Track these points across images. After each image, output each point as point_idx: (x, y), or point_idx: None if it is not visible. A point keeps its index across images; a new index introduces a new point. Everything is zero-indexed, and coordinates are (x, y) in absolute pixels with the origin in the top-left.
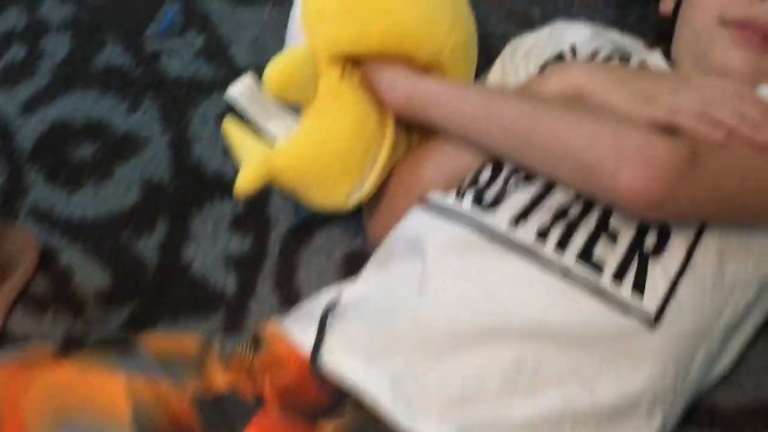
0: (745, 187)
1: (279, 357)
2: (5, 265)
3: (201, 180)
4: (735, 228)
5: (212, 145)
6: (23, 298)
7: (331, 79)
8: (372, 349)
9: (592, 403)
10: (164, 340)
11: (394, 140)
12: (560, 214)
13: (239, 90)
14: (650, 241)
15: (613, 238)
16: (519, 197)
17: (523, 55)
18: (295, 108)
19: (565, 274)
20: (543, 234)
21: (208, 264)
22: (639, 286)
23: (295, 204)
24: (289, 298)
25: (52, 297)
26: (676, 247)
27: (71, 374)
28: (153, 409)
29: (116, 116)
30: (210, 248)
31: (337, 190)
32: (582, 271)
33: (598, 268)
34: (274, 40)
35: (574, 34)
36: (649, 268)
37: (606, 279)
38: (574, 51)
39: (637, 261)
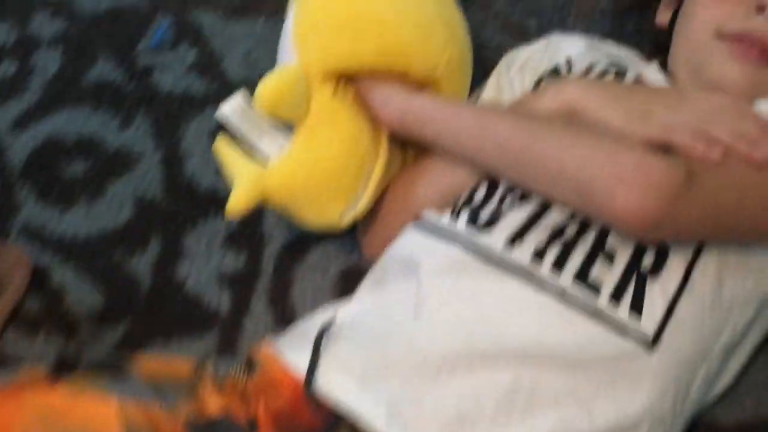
0: (743, 205)
1: (273, 380)
2: None
3: (194, 197)
4: (734, 245)
5: (205, 161)
6: (15, 318)
7: (323, 96)
8: (367, 372)
9: (589, 425)
10: (157, 363)
11: (389, 157)
12: (556, 234)
13: (230, 108)
14: (648, 260)
15: (610, 257)
16: (515, 216)
17: (519, 69)
18: (287, 126)
19: (562, 295)
20: (539, 255)
21: (201, 282)
22: (637, 307)
23: (290, 220)
24: (284, 315)
25: (44, 317)
26: (675, 266)
27: (64, 398)
28: None
29: (108, 132)
30: (204, 266)
31: (331, 209)
32: (579, 292)
33: (595, 289)
34: (267, 53)
35: (569, 47)
36: (647, 288)
37: (603, 300)
38: (569, 64)
39: (634, 281)
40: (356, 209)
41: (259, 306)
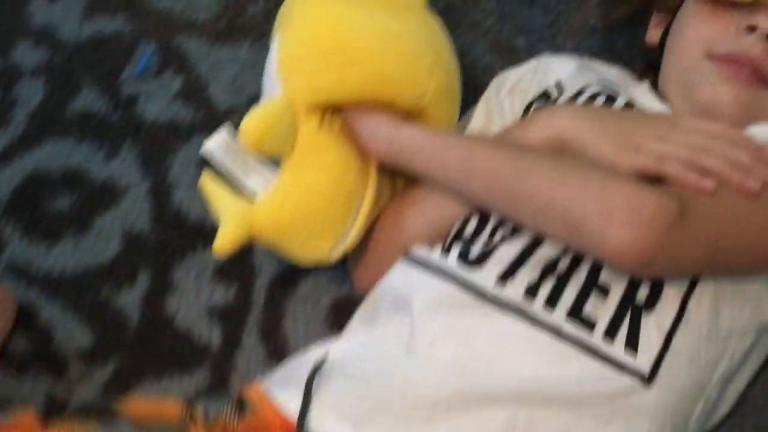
0: (737, 236)
1: (264, 422)
2: None
3: (183, 228)
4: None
5: (193, 192)
6: (1, 358)
7: (309, 128)
8: (360, 414)
9: None
10: (146, 405)
11: (378, 188)
12: (549, 268)
13: (215, 144)
14: (642, 293)
15: (604, 292)
16: (506, 251)
17: (508, 92)
18: (274, 160)
19: (556, 332)
20: (531, 291)
21: (192, 316)
22: (632, 342)
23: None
24: (276, 348)
25: (32, 356)
26: (670, 298)
27: None
28: None
29: (94, 164)
30: (193, 300)
31: (320, 244)
32: (572, 329)
33: (590, 325)
34: (253, 78)
35: (559, 69)
36: (642, 322)
37: (597, 336)
38: (559, 88)
39: (629, 316)
40: (346, 242)
41: (251, 339)
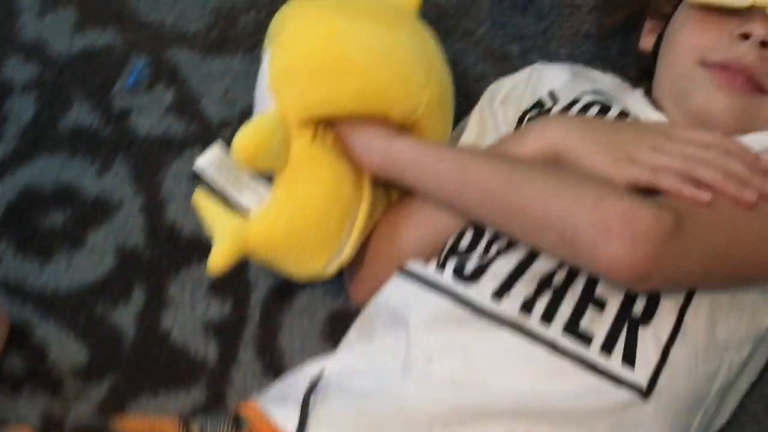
0: (733, 248)
1: None
2: None
3: (177, 243)
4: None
5: (187, 206)
6: None
7: (302, 143)
8: (357, 431)
9: None
10: (142, 423)
11: (372, 201)
12: (545, 283)
13: (207, 161)
14: (639, 306)
15: (601, 306)
16: (502, 265)
17: (502, 101)
18: (267, 175)
19: (553, 347)
20: (528, 306)
21: (187, 332)
22: (629, 356)
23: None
24: (273, 363)
25: (27, 375)
26: (667, 311)
27: None
28: None
29: (86, 180)
30: (189, 315)
31: (315, 260)
32: (569, 343)
33: (586, 339)
34: (245, 90)
35: (553, 78)
36: (639, 335)
37: (594, 351)
38: (553, 98)
39: (626, 329)
40: (341, 257)
41: (247, 354)
